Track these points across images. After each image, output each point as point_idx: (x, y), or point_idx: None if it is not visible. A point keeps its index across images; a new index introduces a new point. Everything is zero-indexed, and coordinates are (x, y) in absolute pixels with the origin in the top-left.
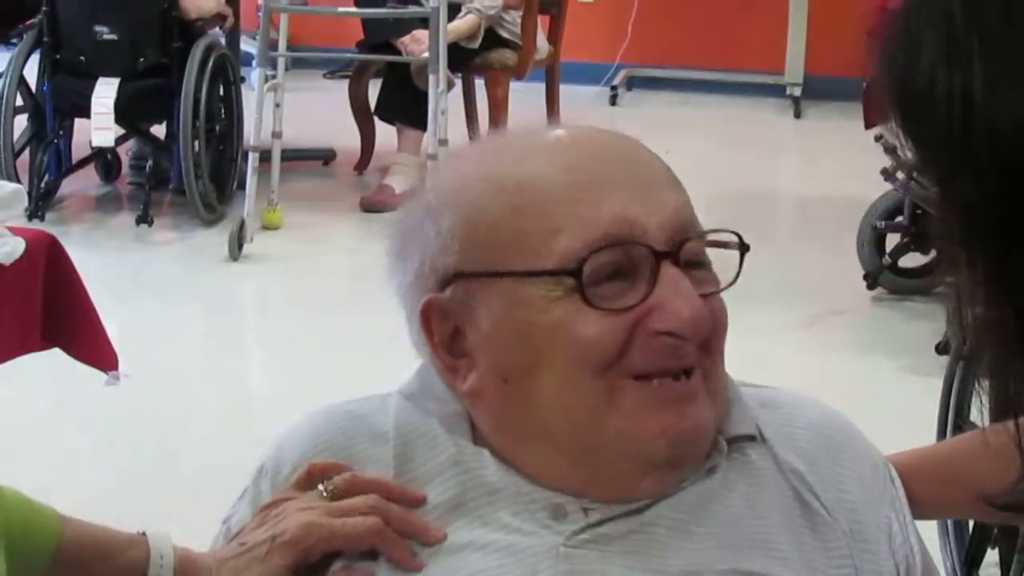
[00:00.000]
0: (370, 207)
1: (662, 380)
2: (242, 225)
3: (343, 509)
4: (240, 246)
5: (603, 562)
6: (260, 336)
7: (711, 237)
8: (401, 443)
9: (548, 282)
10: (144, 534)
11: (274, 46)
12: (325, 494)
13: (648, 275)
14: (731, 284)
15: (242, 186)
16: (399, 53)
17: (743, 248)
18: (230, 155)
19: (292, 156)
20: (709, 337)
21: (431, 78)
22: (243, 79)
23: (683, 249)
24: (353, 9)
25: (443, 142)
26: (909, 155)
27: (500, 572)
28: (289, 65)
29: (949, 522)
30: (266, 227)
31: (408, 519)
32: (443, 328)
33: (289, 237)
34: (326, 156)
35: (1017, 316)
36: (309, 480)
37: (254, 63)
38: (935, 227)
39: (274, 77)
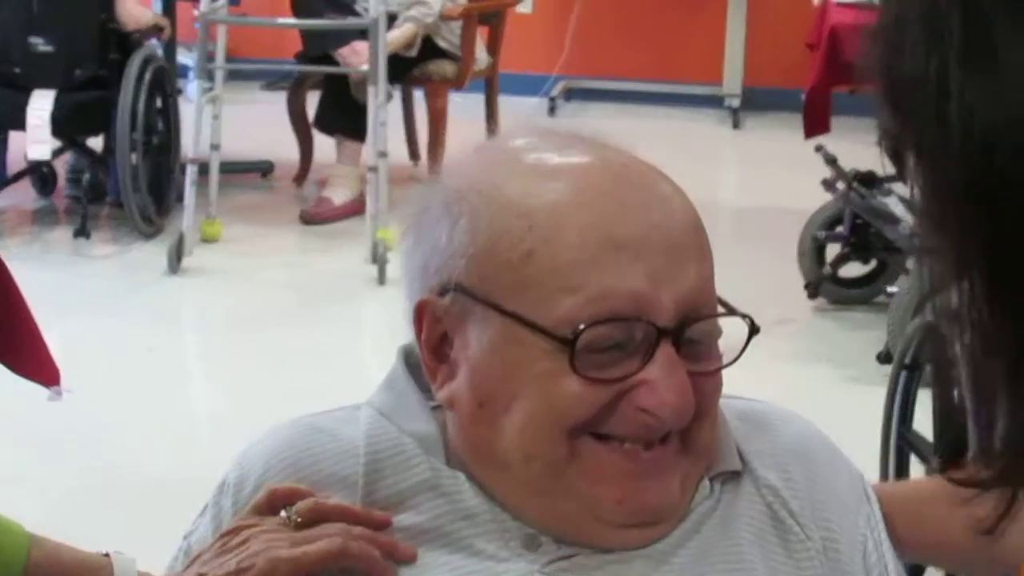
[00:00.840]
0: (310, 219)
1: (633, 445)
2: (181, 238)
3: (308, 539)
4: (179, 259)
5: None
6: (202, 350)
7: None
8: (372, 460)
9: (539, 335)
10: (108, 555)
11: (212, 58)
12: (289, 522)
13: (645, 349)
14: (731, 363)
15: (181, 199)
16: (338, 65)
17: (752, 331)
18: (168, 168)
19: (231, 168)
20: (694, 418)
21: (370, 89)
22: (180, 91)
23: (688, 329)
24: (292, 20)
25: (383, 154)
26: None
27: None
28: (227, 77)
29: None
30: (205, 240)
31: (376, 539)
32: (433, 330)
33: (229, 250)
34: (265, 168)
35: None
36: (270, 505)
37: (192, 75)
38: (919, 208)
39: (212, 89)
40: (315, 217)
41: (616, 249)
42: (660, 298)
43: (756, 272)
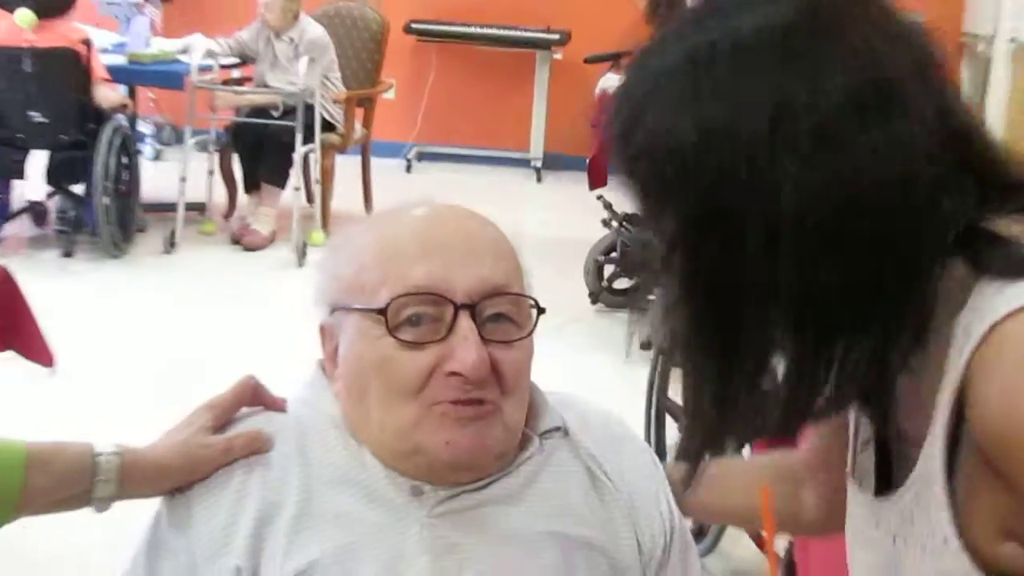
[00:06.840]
0: (248, 246)
1: (456, 404)
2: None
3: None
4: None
5: (454, 529)
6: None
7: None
8: (300, 435)
9: (372, 321)
10: (95, 454)
11: (163, 128)
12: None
13: (448, 323)
14: (526, 336)
15: (141, 230)
16: (267, 128)
17: (539, 311)
18: (131, 208)
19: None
20: (503, 379)
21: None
22: (140, 152)
23: (481, 304)
24: (250, 89)
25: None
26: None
27: (379, 538)
28: (171, 140)
29: None
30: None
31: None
32: (329, 344)
33: (176, 267)
34: (200, 207)
35: (703, 319)
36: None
37: (147, 139)
38: (644, 254)
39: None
40: (250, 244)
41: (418, 253)
42: (455, 279)
43: (554, 284)
